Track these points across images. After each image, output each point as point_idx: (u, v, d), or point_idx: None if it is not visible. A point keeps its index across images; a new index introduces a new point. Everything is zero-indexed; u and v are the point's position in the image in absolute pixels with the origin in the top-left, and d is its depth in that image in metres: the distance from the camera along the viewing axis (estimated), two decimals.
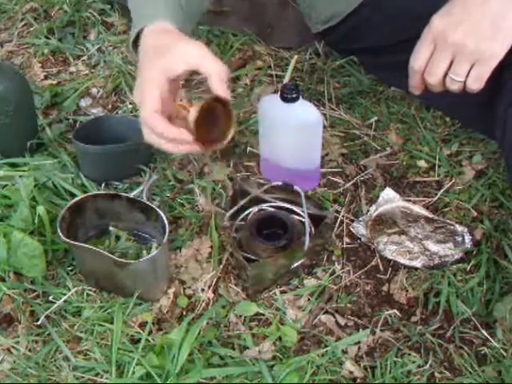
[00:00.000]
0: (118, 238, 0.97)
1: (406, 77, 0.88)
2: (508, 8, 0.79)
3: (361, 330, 0.90)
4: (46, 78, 1.35)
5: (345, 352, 0.87)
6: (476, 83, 0.82)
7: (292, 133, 0.97)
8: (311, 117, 0.96)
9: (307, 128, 0.98)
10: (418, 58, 0.83)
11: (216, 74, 0.76)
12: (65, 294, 0.92)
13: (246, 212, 1.01)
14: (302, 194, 0.95)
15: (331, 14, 1.11)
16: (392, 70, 1.01)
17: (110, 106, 1.28)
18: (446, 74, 0.82)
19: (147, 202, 0.93)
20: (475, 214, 1.03)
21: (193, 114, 0.76)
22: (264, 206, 1.02)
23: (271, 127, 0.96)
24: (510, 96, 0.87)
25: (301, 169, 1.03)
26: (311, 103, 0.98)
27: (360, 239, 1.01)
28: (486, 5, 0.79)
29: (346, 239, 1.01)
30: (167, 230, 0.87)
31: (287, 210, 1.01)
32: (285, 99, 0.93)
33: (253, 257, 0.94)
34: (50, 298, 0.92)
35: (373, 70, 1.23)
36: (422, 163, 1.12)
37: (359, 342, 0.88)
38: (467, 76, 0.81)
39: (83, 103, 1.29)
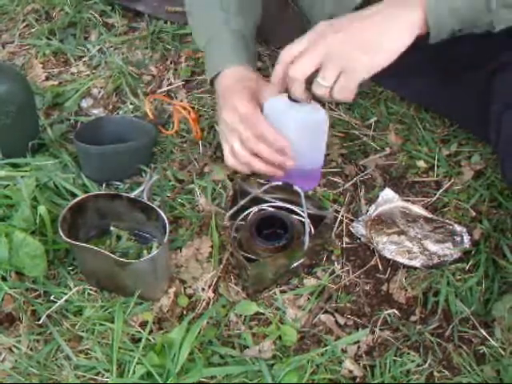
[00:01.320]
0: (118, 237, 0.97)
1: (399, 79, 0.88)
2: (388, 28, 0.80)
3: (360, 329, 0.90)
4: (47, 78, 1.36)
5: (344, 351, 0.87)
6: (341, 93, 0.83)
7: (299, 131, 0.96)
8: (318, 116, 0.96)
9: (314, 127, 0.97)
10: (289, 50, 0.86)
11: None
12: (66, 294, 0.92)
13: (246, 212, 1.02)
14: (302, 194, 0.95)
15: (330, 15, 1.12)
16: (385, 71, 1.02)
17: (110, 107, 1.28)
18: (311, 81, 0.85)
19: (148, 202, 0.93)
20: (474, 213, 1.04)
21: None
22: (264, 206, 1.02)
23: (277, 126, 0.95)
24: (502, 101, 0.88)
25: (305, 168, 1.02)
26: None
27: (359, 239, 1.01)
28: (369, 19, 0.81)
29: (346, 239, 1.01)
30: (168, 230, 0.88)
31: (287, 210, 1.01)
32: (292, 98, 0.93)
33: (253, 257, 0.95)
34: (52, 298, 0.93)
35: None
36: (421, 163, 1.13)
37: (359, 342, 0.88)
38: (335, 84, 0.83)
39: (84, 104, 1.29)
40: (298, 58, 0.83)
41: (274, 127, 0.94)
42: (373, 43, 0.80)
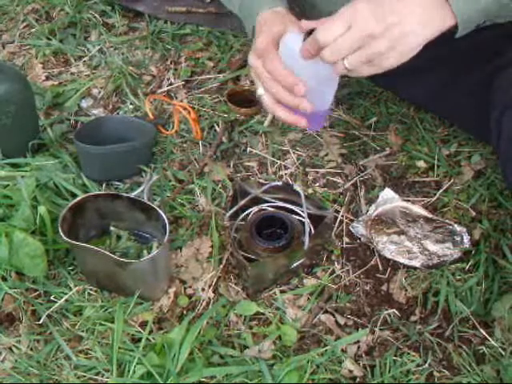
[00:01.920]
0: (118, 237, 0.97)
1: (397, 79, 0.87)
2: (425, 23, 0.77)
3: (360, 329, 0.90)
4: (47, 78, 1.36)
5: (344, 351, 0.87)
6: (356, 74, 0.82)
7: (313, 70, 0.89)
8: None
9: (329, 68, 0.93)
10: (329, 34, 0.79)
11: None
12: (66, 294, 0.93)
13: (246, 212, 1.02)
14: (302, 194, 0.95)
15: (331, 14, 1.12)
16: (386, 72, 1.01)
17: (110, 107, 1.28)
18: None
19: (148, 202, 0.93)
20: (474, 213, 1.04)
21: None
22: (264, 206, 1.02)
23: (292, 64, 0.91)
24: (501, 103, 0.88)
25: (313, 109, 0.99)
26: None
27: (359, 239, 1.01)
28: (407, 10, 0.77)
29: (346, 239, 1.02)
30: (168, 230, 0.88)
31: (287, 210, 1.01)
32: None
33: (253, 257, 0.95)
34: (52, 298, 0.93)
35: None
36: (421, 163, 1.13)
37: (358, 342, 0.88)
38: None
39: (84, 104, 1.30)
40: (335, 44, 0.79)
41: (287, 65, 0.88)
42: (408, 45, 0.78)
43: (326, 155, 1.14)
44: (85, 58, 1.41)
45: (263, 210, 1.02)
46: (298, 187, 0.97)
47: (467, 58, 1.00)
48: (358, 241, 1.01)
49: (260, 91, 0.90)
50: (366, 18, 0.77)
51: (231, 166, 1.13)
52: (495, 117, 0.89)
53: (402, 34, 0.77)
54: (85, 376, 0.84)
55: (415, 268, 0.97)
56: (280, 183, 1.00)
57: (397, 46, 0.77)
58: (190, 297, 0.94)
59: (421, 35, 0.78)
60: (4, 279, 0.94)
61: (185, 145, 1.18)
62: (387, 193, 1.06)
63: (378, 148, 1.16)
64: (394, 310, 0.92)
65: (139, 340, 0.87)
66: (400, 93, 1.23)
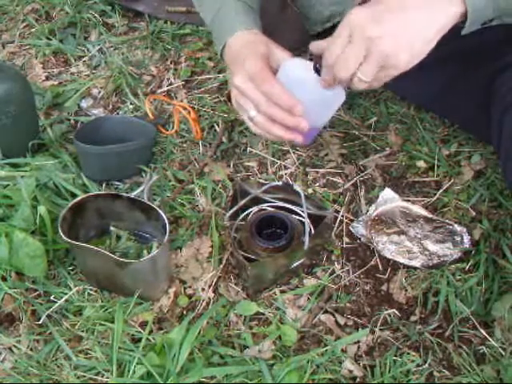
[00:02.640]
0: (118, 237, 0.97)
1: (398, 79, 0.86)
2: (431, 21, 0.76)
3: (360, 329, 0.90)
4: (47, 78, 1.36)
5: (344, 351, 0.87)
6: (373, 84, 0.80)
7: (319, 94, 0.88)
8: (338, 90, 0.89)
9: (331, 99, 0.91)
10: (333, 52, 0.78)
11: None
12: (66, 294, 0.93)
13: (246, 212, 1.02)
14: (302, 194, 0.95)
15: (330, 14, 1.12)
16: None
17: (110, 107, 1.28)
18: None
19: (148, 202, 0.93)
20: (474, 213, 1.04)
21: None
22: (264, 206, 1.02)
23: (290, 88, 0.89)
24: (503, 103, 0.88)
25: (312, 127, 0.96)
26: None
27: (359, 239, 1.01)
28: (410, 11, 0.76)
29: (346, 239, 1.02)
30: (168, 230, 0.88)
31: (287, 209, 1.01)
32: (318, 71, 0.86)
33: (253, 257, 0.95)
34: (52, 298, 0.93)
35: None
36: (421, 163, 1.13)
37: (359, 342, 0.88)
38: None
39: (84, 104, 1.30)
40: (341, 60, 0.78)
41: (288, 90, 0.86)
42: (415, 38, 0.76)
43: (326, 155, 1.14)
44: (85, 58, 1.41)
45: (263, 209, 1.02)
46: (297, 187, 0.97)
47: (469, 58, 1.00)
48: (358, 241, 1.01)
49: (252, 113, 0.87)
50: (362, 21, 0.75)
51: (231, 165, 1.13)
52: (497, 116, 0.89)
53: (404, 28, 0.75)
54: (85, 376, 0.84)
55: (415, 268, 0.97)
56: (280, 183, 1.00)
57: (402, 42, 0.75)
58: (190, 297, 0.94)
59: (428, 26, 0.76)
60: (4, 279, 0.94)
61: (185, 145, 1.18)
62: (387, 193, 1.06)
63: (378, 148, 1.16)
64: (394, 310, 0.92)
65: (139, 340, 0.87)
66: (400, 92, 1.23)
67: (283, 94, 0.84)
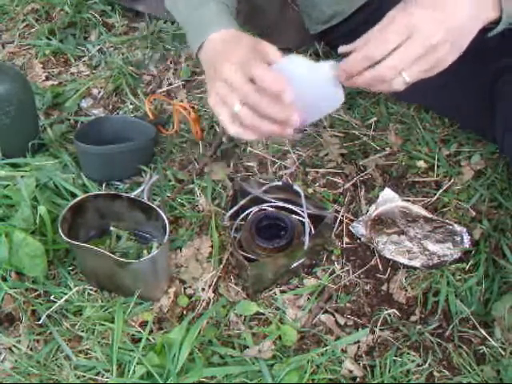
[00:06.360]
0: (118, 237, 0.97)
1: None
2: (474, 31, 0.76)
3: (360, 329, 0.90)
4: (47, 78, 1.36)
5: (344, 351, 0.87)
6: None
7: (313, 94, 0.84)
8: (338, 90, 0.87)
9: (329, 98, 0.90)
10: (385, 48, 0.73)
11: None
12: (66, 294, 0.93)
13: (246, 212, 1.02)
14: (302, 194, 0.95)
15: (333, 13, 1.12)
16: None
17: (110, 107, 1.28)
18: None
19: (148, 202, 0.93)
20: (474, 213, 1.04)
21: None
22: (264, 206, 1.02)
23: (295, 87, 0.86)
24: (506, 102, 0.88)
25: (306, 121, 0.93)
26: None
27: (359, 239, 1.01)
28: (463, 20, 0.75)
29: (346, 239, 1.02)
30: (168, 230, 0.88)
31: (287, 210, 1.01)
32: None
33: (253, 257, 0.95)
34: (52, 298, 0.93)
35: None
36: (421, 163, 1.13)
37: (359, 342, 0.88)
38: None
39: (84, 104, 1.30)
40: (394, 56, 0.73)
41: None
42: (465, 45, 0.76)
43: (326, 155, 1.14)
44: (85, 58, 1.41)
45: (263, 210, 1.02)
46: (297, 187, 0.97)
47: (471, 58, 1.00)
48: (358, 241, 1.01)
49: (236, 108, 0.77)
50: (427, 24, 0.72)
51: (231, 166, 1.13)
52: (500, 116, 0.88)
53: (460, 36, 0.75)
54: (85, 376, 0.84)
55: (415, 268, 0.97)
56: (280, 183, 1.00)
57: (455, 50, 0.75)
58: (189, 297, 0.94)
59: (474, 28, 0.76)
60: (4, 279, 0.94)
61: (185, 145, 1.18)
62: (387, 193, 1.06)
63: (378, 148, 1.16)
64: (394, 310, 0.92)
65: (139, 340, 0.87)
66: (402, 93, 1.23)
67: (274, 76, 0.75)
